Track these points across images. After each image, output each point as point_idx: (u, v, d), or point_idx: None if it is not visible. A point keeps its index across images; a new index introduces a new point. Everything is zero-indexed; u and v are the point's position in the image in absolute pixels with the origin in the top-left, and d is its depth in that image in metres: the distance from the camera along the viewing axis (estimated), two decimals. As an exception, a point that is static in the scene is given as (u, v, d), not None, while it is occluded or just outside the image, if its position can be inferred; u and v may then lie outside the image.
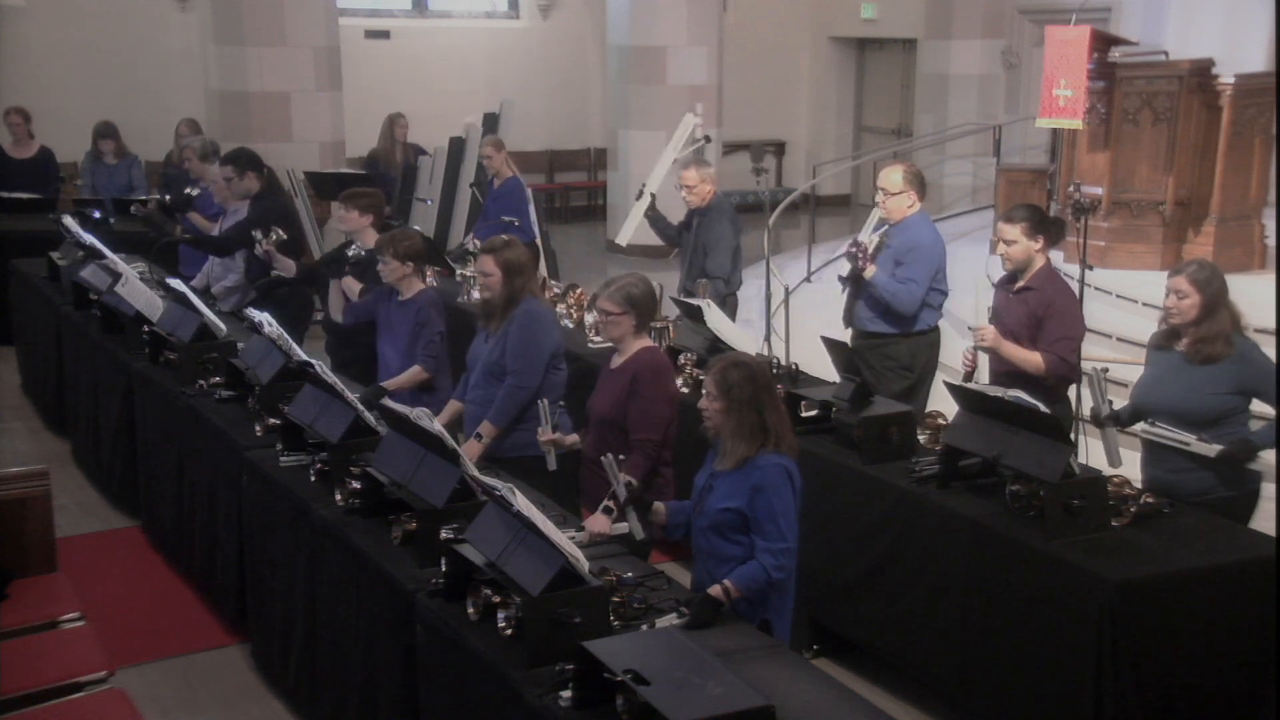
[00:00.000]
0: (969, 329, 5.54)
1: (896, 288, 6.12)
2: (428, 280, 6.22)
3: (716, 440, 4.08)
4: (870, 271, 6.15)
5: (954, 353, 6.11)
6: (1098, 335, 5.76)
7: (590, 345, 6.73)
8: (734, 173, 15.35)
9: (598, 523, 4.42)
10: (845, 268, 6.37)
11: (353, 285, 6.56)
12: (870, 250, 6.20)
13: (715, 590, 3.82)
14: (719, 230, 7.33)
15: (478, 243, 9.07)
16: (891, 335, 6.23)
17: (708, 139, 6.34)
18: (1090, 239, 7.42)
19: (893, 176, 6.21)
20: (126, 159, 11.06)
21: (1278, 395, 4.66)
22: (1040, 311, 5.40)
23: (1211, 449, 4.62)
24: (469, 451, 5.06)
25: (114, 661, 4.53)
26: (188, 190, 8.79)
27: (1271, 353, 4.78)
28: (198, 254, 8.28)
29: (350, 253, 6.56)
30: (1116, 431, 5.09)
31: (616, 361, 4.97)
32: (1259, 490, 4.83)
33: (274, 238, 6.97)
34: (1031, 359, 5.37)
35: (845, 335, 6.35)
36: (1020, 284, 5.49)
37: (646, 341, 4.99)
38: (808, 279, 11.05)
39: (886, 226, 6.29)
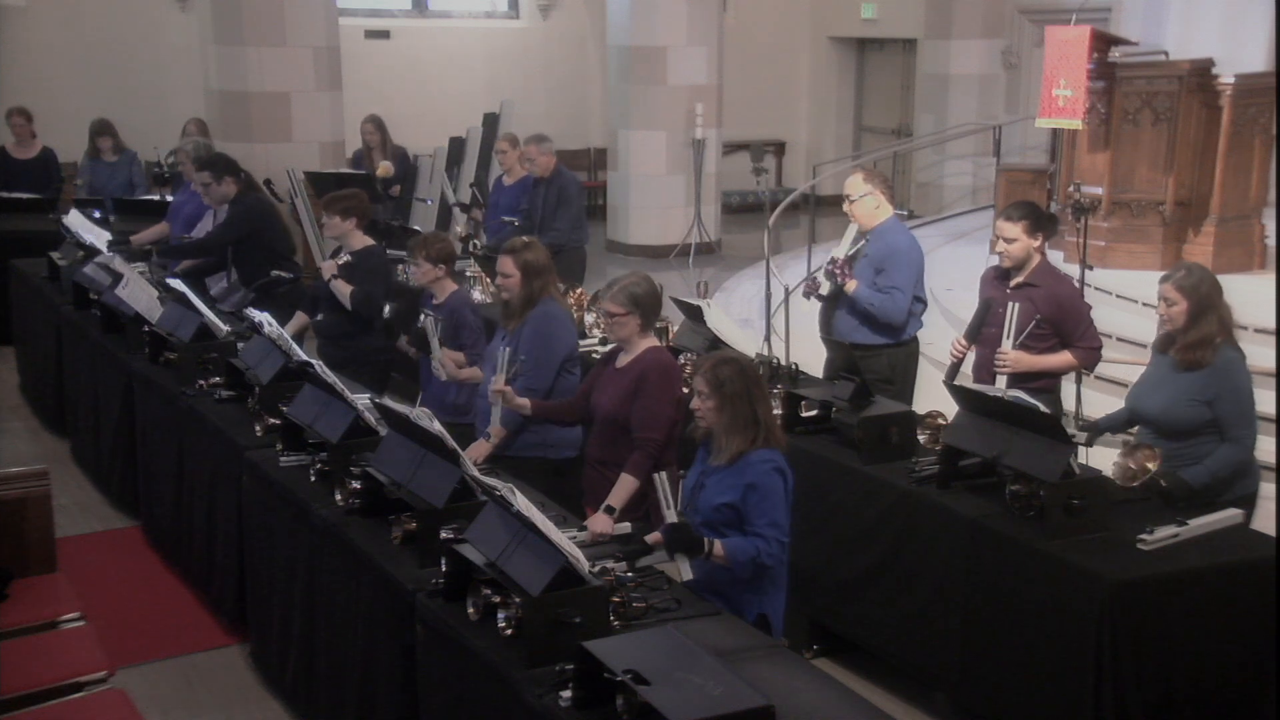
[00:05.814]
0: (997, 361, 5.41)
1: (881, 298, 6.01)
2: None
3: (705, 439, 4.14)
4: (852, 286, 6.03)
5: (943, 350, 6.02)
6: (1098, 335, 5.79)
7: (594, 353, 6.66)
8: (734, 172, 15.36)
9: (599, 522, 4.43)
10: (820, 285, 6.22)
11: (343, 288, 6.57)
12: (848, 263, 6.06)
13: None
14: (565, 195, 8.60)
15: (476, 242, 9.10)
16: (872, 347, 6.10)
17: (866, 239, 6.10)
18: (1090, 239, 7.42)
19: (854, 181, 6.10)
20: (126, 155, 11.05)
21: (1277, 398, 4.65)
22: (1048, 309, 5.40)
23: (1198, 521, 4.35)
24: (477, 451, 5.05)
25: (114, 661, 4.52)
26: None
27: (1269, 356, 4.76)
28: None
29: (343, 260, 6.62)
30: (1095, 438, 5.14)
31: (623, 361, 4.96)
32: (1257, 491, 4.84)
33: (342, 259, 6.66)
34: (1061, 360, 5.45)
35: (822, 346, 6.26)
36: (1019, 280, 5.49)
37: (653, 341, 4.98)
38: (808, 279, 11.01)
39: (863, 240, 6.12)
